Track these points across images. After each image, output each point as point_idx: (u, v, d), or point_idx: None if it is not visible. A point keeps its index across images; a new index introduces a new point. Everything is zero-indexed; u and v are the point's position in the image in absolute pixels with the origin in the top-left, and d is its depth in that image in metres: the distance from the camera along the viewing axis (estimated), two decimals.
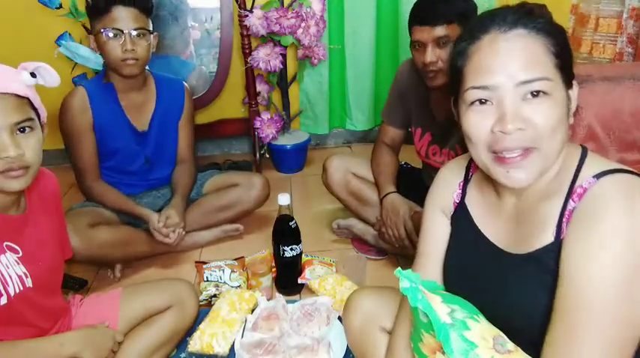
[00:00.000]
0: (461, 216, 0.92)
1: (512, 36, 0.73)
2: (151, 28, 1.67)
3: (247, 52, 2.33)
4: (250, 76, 2.40)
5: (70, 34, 2.24)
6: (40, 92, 1.09)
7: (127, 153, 1.80)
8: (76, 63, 2.21)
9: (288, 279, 1.62)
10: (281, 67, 2.36)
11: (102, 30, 1.59)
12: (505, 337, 0.75)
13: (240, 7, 2.25)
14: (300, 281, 1.62)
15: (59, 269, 1.15)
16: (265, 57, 2.30)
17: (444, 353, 0.71)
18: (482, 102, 0.75)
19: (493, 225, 0.87)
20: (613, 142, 1.65)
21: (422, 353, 0.78)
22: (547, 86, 0.72)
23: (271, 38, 2.31)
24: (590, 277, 0.67)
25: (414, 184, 1.82)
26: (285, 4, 2.30)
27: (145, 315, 1.27)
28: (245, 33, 2.30)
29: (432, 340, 0.75)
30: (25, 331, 1.03)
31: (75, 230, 1.52)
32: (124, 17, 1.59)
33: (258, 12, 2.24)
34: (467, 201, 0.92)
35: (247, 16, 2.24)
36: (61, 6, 2.22)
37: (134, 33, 1.60)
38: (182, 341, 1.36)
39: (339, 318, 1.40)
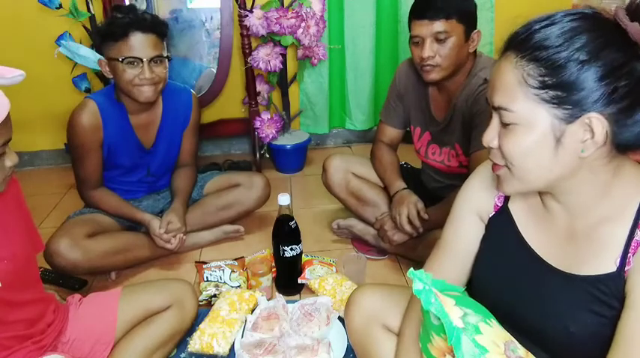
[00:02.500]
0: (502, 221, 0.88)
1: (504, 58, 0.74)
2: (166, 53, 1.62)
3: (247, 52, 2.33)
4: (250, 76, 2.40)
5: (70, 34, 2.24)
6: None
7: (130, 167, 1.79)
8: (76, 63, 2.21)
9: (288, 279, 1.62)
10: (281, 67, 2.36)
11: (119, 59, 1.53)
12: (516, 342, 0.74)
13: (240, 7, 2.25)
14: (300, 281, 1.62)
15: (30, 264, 1.12)
16: (265, 57, 2.30)
17: (453, 356, 0.71)
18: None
19: (539, 236, 0.83)
20: None
21: (431, 355, 0.78)
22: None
23: (271, 38, 2.31)
24: None
25: (414, 184, 1.82)
26: (285, 4, 2.30)
27: (145, 315, 1.26)
28: (245, 33, 2.30)
29: (443, 343, 0.74)
30: (6, 329, 1.03)
31: (74, 243, 1.52)
32: (142, 44, 1.53)
33: (258, 12, 2.24)
34: (511, 205, 0.88)
35: (247, 16, 2.24)
36: (61, 6, 2.22)
37: (152, 61, 1.55)
38: (182, 341, 1.36)
39: (339, 318, 1.41)
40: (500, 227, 0.89)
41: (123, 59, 1.53)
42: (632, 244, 0.72)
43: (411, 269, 0.75)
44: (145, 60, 1.54)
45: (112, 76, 1.61)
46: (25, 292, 1.08)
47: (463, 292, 0.80)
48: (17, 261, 1.04)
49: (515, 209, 0.87)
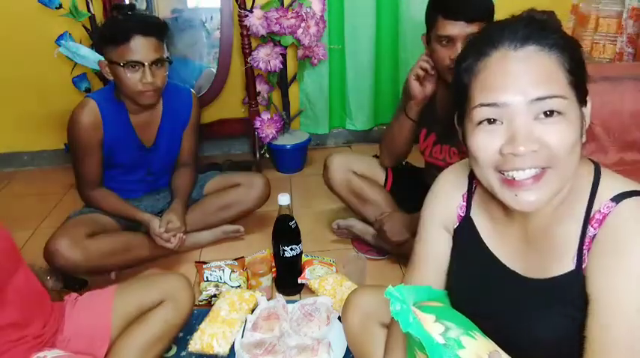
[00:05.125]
0: (466, 231, 0.88)
1: (524, 53, 0.69)
2: (167, 55, 1.62)
3: (247, 52, 2.33)
4: (250, 76, 2.40)
5: (70, 34, 2.24)
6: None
7: (130, 166, 1.80)
8: (76, 63, 2.21)
9: (288, 279, 1.62)
10: (281, 67, 2.36)
11: (121, 63, 1.53)
12: (501, 351, 0.74)
13: (240, 7, 2.25)
14: (300, 281, 1.62)
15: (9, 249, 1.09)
16: (265, 57, 2.30)
17: None
18: (490, 121, 0.71)
19: (502, 244, 0.83)
20: (613, 142, 1.65)
21: None
22: (561, 105, 0.68)
23: (271, 38, 2.31)
24: (619, 310, 0.67)
25: (415, 184, 1.81)
26: (285, 4, 2.30)
27: (139, 311, 1.26)
28: (245, 33, 2.30)
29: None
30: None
31: (73, 243, 1.52)
32: (144, 48, 1.53)
33: (258, 12, 2.24)
34: (473, 215, 0.87)
35: (247, 16, 2.24)
36: (61, 6, 2.22)
37: (153, 65, 1.56)
38: (180, 337, 1.36)
39: (339, 318, 1.41)
40: (465, 237, 0.88)
41: (124, 63, 1.53)
42: (586, 241, 0.72)
43: (389, 288, 0.72)
44: (146, 64, 1.54)
45: (112, 78, 1.60)
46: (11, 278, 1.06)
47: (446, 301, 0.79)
48: None
49: (477, 218, 0.87)
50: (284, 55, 2.37)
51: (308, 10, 2.27)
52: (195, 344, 1.35)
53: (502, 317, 0.80)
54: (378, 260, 1.78)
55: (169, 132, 1.81)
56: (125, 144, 1.72)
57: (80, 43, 2.25)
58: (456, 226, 0.90)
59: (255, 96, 2.46)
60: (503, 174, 0.71)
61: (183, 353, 1.36)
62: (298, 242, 1.57)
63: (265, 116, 2.43)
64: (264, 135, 2.44)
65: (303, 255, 1.65)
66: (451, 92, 1.52)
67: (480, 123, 0.72)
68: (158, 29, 1.58)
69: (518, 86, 0.68)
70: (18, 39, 2.45)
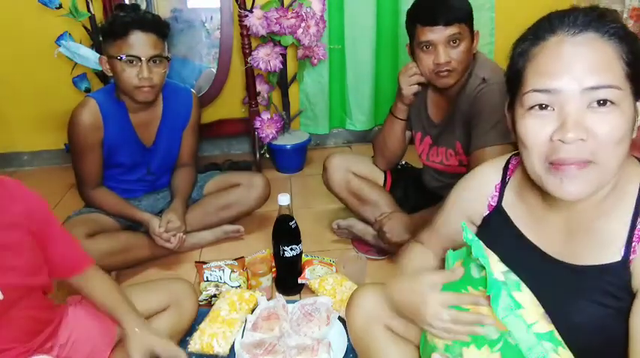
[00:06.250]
0: (498, 219, 0.89)
1: (582, 39, 0.68)
2: (166, 54, 1.63)
3: (247, 52, 2.33)
4: (250, 76, 2.40)
5: (70, 34, 2.23)
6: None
7: (130, 165, 1.80)
8: (76, 63, 2.21)
9: (288, 279, 1.62)
10: (281, 67, 2.36)
11: (118, 57, 1.54)
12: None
13: (240, 7, 2.25)
14: (300, 281, 1.62)
15: (38, 278, 1.06)
16: (265, 57, 2.30)
17: (487, 305, 0.74)
18: (542, 107, 0.70)
19: (540, 231, 0.83)
20: None
21: (460, 308, 0.80)
22: (615, 95, 0.67)
23: (271, 38, 2.31)
24: None
25: (414, 184, 1.82)
26: (285, 4, 2.30)
27: (144, 316, 1.26)
28: (245, 33, 2.30)
29: (481, 295, 0.77)
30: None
31: None
32: (142, 43, 1.54)
33: (258, 12, 2.24)
34: (505, 205, 0.89)
35: (247, 16, 2.24)
36: (61, 6, 2.22)
37: (151, 61, 1.56)
38: (182, 341, 1.36)
39: (340, 318, 1.41)
40: (497, 225, 0.89)
41: (122, 57, 1.54)
42: (636, 233, 0.72)
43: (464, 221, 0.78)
44: (143, 59, 1.55)
45: (111, 74, 1.61)
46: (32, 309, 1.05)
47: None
48: (23, 273, 1.00)
49: (510, 207, 0.88)
50: (284, 55, 2.37)
51: (308, 10, 2.27)
52: (195, 344, 1.35)
53: (538, 300, 0.80)
54: (378, 260, 1.78)
55: (169, 132, 1.82)
56: (125, 143, 1.73)
57: (80, 43, 2.25)
58: (485, 215, 0.91)
59: (255, 96, 2.46)
60: (552, 164, 0.71)
61: None
62: (298, 242, 1.57)
63: (265, 116, 2.43)
64: (264, 135, 2.44)
65: (303, 255, 1.65)
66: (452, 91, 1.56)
67: (531, 108, 0.71)
68: (158, 26, 1.59)
69: (572, 73, 0.67)
70: (18, 39, 2.45)
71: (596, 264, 0.74)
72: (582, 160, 0.68)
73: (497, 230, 0.89)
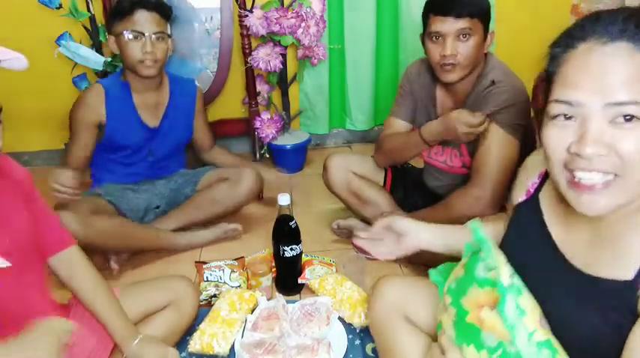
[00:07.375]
0: (530, 208, 0.87)
1: (612, 49, 0.64)
2: (169, 32, 1.77)
3: (247, 52, 2.33)
4: (250, 76, 2.40)
5: (70, 34, 2.24)
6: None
7: (132, 147, 1.85)
8: (76, 63, 2.21)
9: (288, 279, 1.62)
10: (281, 67, 2.36)
11: (124, 32, 1.67)
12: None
13: (240, 7, 2.25)
14: (300, 281, 1.62)
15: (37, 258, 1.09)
16: (265, 57, 2.30)
17: (492, 308, 0.75)
18: (567, 117, 0.68)
19: (564, 231, 0.81)
20: None
21: (461, 307, 0.80)
22: None
23: (271, 38, 2.31)
24: None
25: (414, 184, 1.82)
26: (285, 4, 2.30)
27: (144, 314, 1.26)
28: (245, 33, 2.30)
29: (484, 295, 0.77)
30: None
31: (75, 215, 1.53)
32: (146, 21, 1.68)
33: (258, 12, 2.24)
34: (542, 196, 0.86)
35: (247, 16, 2.24)
36: (61, 6, 2.22)
37: (154, 36, 1.69)
38: (182, 341, 1.36)
39: (340, 318, 1.41)
40: (528, 214, 0.88)
41: (126, 32, 1.67)
42: None
43: (474, 222, 0.81)
44: (147, 34, 1.67)
45: (118, 52, 1.73)
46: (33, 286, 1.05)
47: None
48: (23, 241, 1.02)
49: (545, 200, 0.86)
50: (284, 55, 2.37)
51: (308, 10, 2.27)
52: (195, 344, 1.35)
53: (539, 298, 0.79)
54: (378, 260, 1.78)
55: (174, 116, 1.90)
56: (127, 123, 1.80)
57: (80, 43, 2.25)
58: (521, 200, 0.90)
59: (255, 96, 2.47)
60: (572, 173, 0.68)
61: (184, 354, 1.36)
62: (298, 242, 1.57)
63: (265, 116, 2.43)
64: (264, 135, 2.44)
65: (303, 255, 1.65)
66: (449, 90, 1.55)
67: (555, 117, 0.69)
68: (161, 7, 1.73)
69: (597, 85, 0.64)
70: (18, 39, 2.44)
71: (609, 278, 0.72)
72: (602, 171, 0.66)
73: (527, 219, 0.87)
